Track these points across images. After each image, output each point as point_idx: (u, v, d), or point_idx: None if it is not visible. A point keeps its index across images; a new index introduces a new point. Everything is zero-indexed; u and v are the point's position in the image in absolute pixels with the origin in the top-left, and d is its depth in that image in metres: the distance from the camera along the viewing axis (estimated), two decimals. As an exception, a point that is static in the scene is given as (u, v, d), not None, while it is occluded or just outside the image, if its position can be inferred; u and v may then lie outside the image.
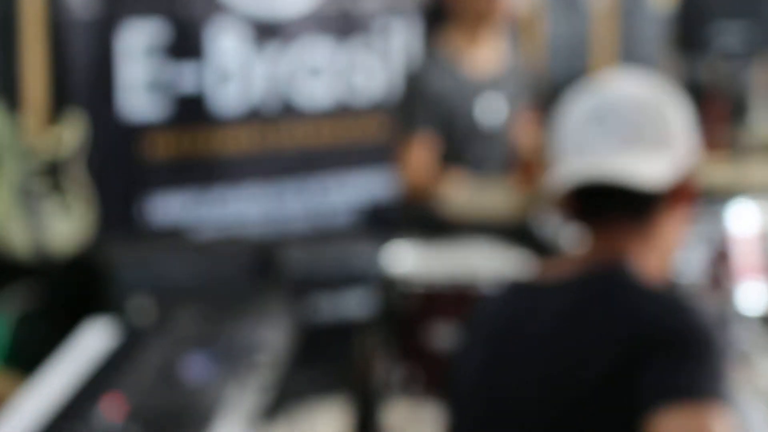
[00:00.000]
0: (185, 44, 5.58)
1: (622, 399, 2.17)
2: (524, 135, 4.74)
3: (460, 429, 2.44)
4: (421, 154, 4.50)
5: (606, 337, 2.23)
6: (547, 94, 6.27)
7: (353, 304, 5.21)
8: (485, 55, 4.64)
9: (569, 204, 2.41)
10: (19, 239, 4.98)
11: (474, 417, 2.39)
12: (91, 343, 3.14)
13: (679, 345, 2.17)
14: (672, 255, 2.46)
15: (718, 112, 6.15)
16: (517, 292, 2.49)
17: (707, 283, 3.96)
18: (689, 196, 2.39)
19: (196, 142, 5.65)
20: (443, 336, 3.94)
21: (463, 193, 4.20)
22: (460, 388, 2.47)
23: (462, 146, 4.57)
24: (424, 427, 4.09)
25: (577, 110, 2.42)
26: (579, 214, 2.42)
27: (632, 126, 2.36)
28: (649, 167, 2.31)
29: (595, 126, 2.37)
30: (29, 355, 3.31)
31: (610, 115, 2.37)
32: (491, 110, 4.60)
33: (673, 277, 2.48)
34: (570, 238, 4.00)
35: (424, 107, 4.51)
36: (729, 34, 5.51)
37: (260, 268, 5.09)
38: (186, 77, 5.61)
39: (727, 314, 3.97)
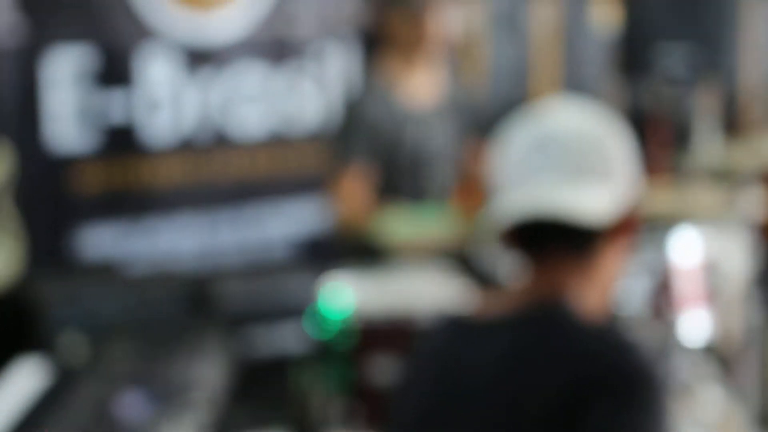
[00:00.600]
0: (114, 71, 5.57)
1: None
2: (465, 163, 4.80)
3: None
4: (355, 185, 4.53)
5: (545, 379, 2.24)
6: (488, 120, 6.33)
7: (290, 338, 5.21)
8: (421, 84, 4.68)
9: (509, 237, 2.41)
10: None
11: None
12: (20, 383, 3.13)
13: (620, 385, 2.19)
14: (612, 288, 2.45)
15: (660, 137, 6.19)
16: (456, 330, 2.49)
17: (649, 314, 3.98)
18: (631, 228, 2.39)
19: (127, 173, 5.64)
20: (382, 370, 3.96)
21: (401, 224, 4.22)
22: (401, 426, 2.49)
23: (400, 176, 4.60)
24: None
25: (519, 140, 2.42)
26: (519, 247, 2.41)
27: (574, 158, 2.35)
28: (591, 201, 2.32)
29: (536, 157, 2.37)
30: None
31: (552, 146, 2.36)
32: (428, 139, 4.64)
33: (613, 309, 2.50)
34: (509, 267, 4.03)
35: (359, 137, 4.54)
36: (672, 57, 5.56)
37: (194, 302, 5.09)
38: (115, 106, 5.59)
39: (669, 345, 4.01)
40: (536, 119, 2.46)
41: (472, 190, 4.77)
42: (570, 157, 2.35)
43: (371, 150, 4.55)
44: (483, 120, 5.12)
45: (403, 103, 4.64)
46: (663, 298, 4.00)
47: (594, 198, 2.32)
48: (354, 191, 4.54)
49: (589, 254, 2.36)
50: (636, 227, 2.41)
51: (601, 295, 2.41)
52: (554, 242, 2.37)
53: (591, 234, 2.34)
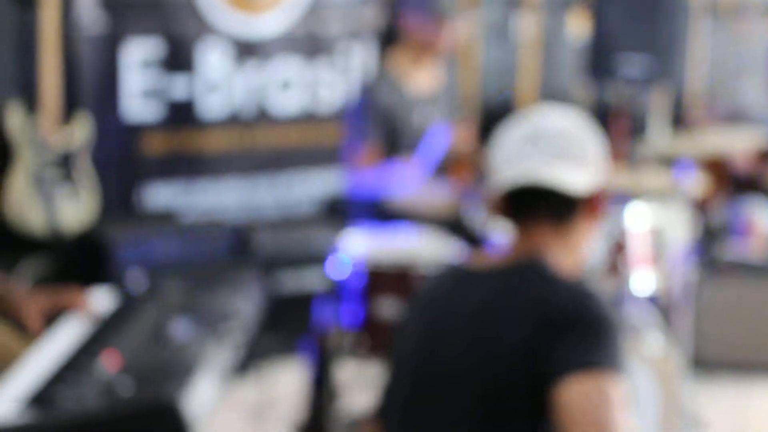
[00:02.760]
0: (177, 59, 5.56)
1: (532, 370, 2.18)
2: (458, 141, 4.78)
3: (400, 386, 2.43)
4: (370, 158, 4.52)
5: (522, 318, 2.24)
6: (479, 111, 6.30)
7: (312, 280, 5.20)
8: (425, 77, 4.67)
9: (501, 205, 2.43)
10: (34, 218, 4.95)
11: (412, 376, 2.39)
12: (94, 307, 3.12)
13: (582, 326, 2.19)
14: (584, 250, 2.47)
15: (621, 128, 6.16)
16: (452, 276, 2.51)
17: (607, 269, 3.99)
18: (600, 202, 2.42)
19: (185, 141, 5.64)
20: (386, 308, 3.95)
21: (405, 188, 4.21)
22: (401, 353, 2.46)
23: (404, 148, 4.58)
24: (368, 384, 4.09)
25: (513, 134, 2.45)
26: (509, 214, 2.43)
27: (558, 147, 2.38)
28: (570, 178, 2.36)
29: (528, 146, 2.39)
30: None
31: (540, 139, 2.40)
32: (426, 118, 4.62)
33: (583, 269, 2.51)
34: (496, 231, 4.02)
35: (374, 119, 4.52)
36: (632, 64, 5.53)
37: (235, 247, 5.07)
38: (177, 86, 5.58)
39: (622, 295, 4.02)
40: (527, 119, 2.49)
41: (464, 162, 4.76)
42: (554, 146, 2.38)
43: (382, 127, 4.54)
44: (475, 110, 5.12)
45: (410, 90, 4.62)
46: (618, 257, 4.01)
47: (573, 176, 2.36)
48: (368, 162, 4.52)
49: (567, 221, 2.40)
50: (603, 202, 2.44)
51: (575, 255, 2.43)
52: (539, 209, 2.39)
53: (570, 204, 2.38)
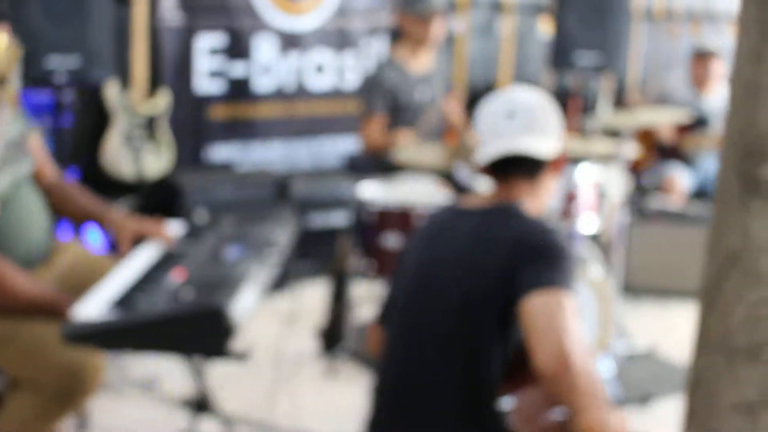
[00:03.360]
0: (237, 48, 5.54)
1: (505, 286, 2.19)
2: (449, 111, 4.77)
3: (399, 298, 2.44)
4: (376, 127, 4.52)
5: (499, 246, 2.25)
6: (467, 92, 6.27)
7: (335, 218, 5.21)
8: (421, 62, 4.66)
9: (486, 169, 2.43)
10: (125, 168, 4.99)
11: (409, 290, 2.40)
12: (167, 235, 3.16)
13: (545, 254, 2.21)
14: (547, 199, 2.48)
15: (576, 107, 6.16)
16: (445, 212, 2.52)
17: (561, 213, 4.01)
18: (560, 164, 2.44)
19: (241, 110, 5.63)
20: (391, 240, 3.95)
21: (408, 149, 4.17)
22: (402, 274, 2.46)
23: (408, 117, 4.56)
24: (375, 299, 4.12)
25: (493, 108, 2.44)
26: (491, 174, 2.43)
27: (530, 119, 2.38)
28: (540, 145, 2.37)
29: (505, 121, 2.38)
30: None
31: (516, 113, 2.38)
32: (424, 93, 4.61)
33: (544, 212, 2.54)
34: (479, 183, 4.02)
35: (380, 96, 4.52)
36: (585, 58, 5.48)
37: (277, 192, 5.09)
38: (237, 69, 5.56)
39: (573, 233, 4.04)
40: (504, 95, 2.48)
41: (454, 128, 4.76)
42: (526, 120, 2.38)
43: (388, 102, 4.54)
44: (464, 91, 5.12)
45: (411, 71, 4.62)
46: (570, 205, 4.05)
47: (541, 144, 2.38)
48: (375, 130, 4.53)
49: (536, 178, 2.40)
50: (562, 163, 2.46)
51: (540, 203, 2.43)
52: (516, 170, 2.39)
53: (539, 165, 2.39)
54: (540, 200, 2.42)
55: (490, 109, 2.44)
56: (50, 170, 3.31)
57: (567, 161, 2.61)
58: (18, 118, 3.18)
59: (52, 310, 2.88)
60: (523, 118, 2.37)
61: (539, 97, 2.45)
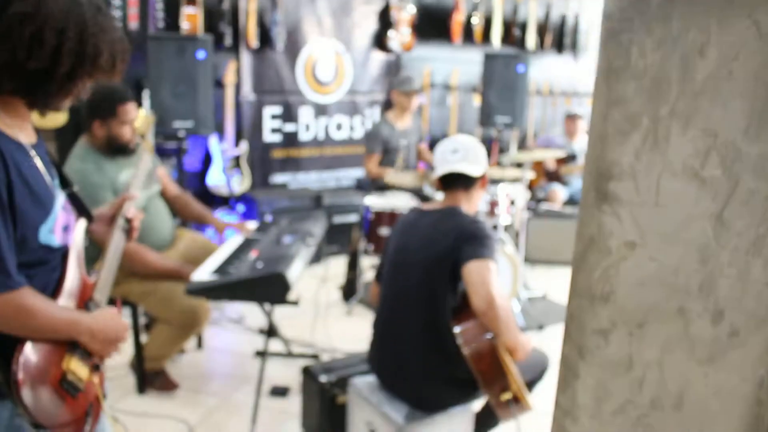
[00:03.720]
0: (289, 114, 5.49)
1: (452, 257, 2.16)
2: (420, 152, 4.71)
3: (386, 265, 2.40)
4: (374, 162, 4.44)
5: (447, 233, 2.20)
6: (428, 139, 6.24)
7: (350, 217, 5.20)
8: (404, 121, 4.56)
9: (438, 183, 2.38)
10: (222, 187, 4.97)
11: (390, 264, 2.37)
12: (250, 226, 3.14)
13: (476, 237, 2.15)
14: (478, 206, 2.43)
15: (496, 149, 6.14)
16: (414, 213, 2.45)
17: (487, 213, 3.96)
18: (485, 182, 2.37)
19: (291, 152, 5.58)
20: (383, 230, 3.92)
21: (393, 176, 4.14)
22: (388, 249, 2.43)
23: (393, 157, 4.49)
24: (374, 267, 4.09)
25: (444, 146, 2.39)
26: (441, 187, 2.38)
27: (466, 153, 2.33)
28: (472, 169, 2.31)
29: (451, 154, 2.34)
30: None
31: (459, 149, 2.34)
32: (406, 141, 4.53)
33: (477, 212, 2.50)
34: (436, 195, 4.01)
35: (377, 142, 4.44)
36: (502, 118, 5.41)
37: (314, 202, 5.08)
38: (288, 127, 5.51)
39: (495, 225, 3.98)
40: (451, 139, 2.41)
41: (423, 161, 4.73)
42: (466, 153, 2.32)
43: (382, 147, 4.46)
44: (424, 138, 5.04)
45: (397, 128, 4.53)
46: (493, 207, 3.99)
47: (472, 168, 2.32)
48: (373, 163, 4.45)
49: (469, 191, 2.34)
50: (486, 182, 2.38)
51: (473, 207, 2.36)
52: (457, 184, 2.33)
53: (472, 181, 2.32)
54: (473, 205, 2.37)
55: (442, 147, 2.41)
56: (173, 187, 3.31)
57: (489, 181, 2.57)
58: (144, 160, 3.16)
59: (178, 276, 2.88)
60: (462, 152, 2.34)
61: (473, 141, 2.41)
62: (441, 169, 2.36)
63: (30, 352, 1.30)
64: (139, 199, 2.96)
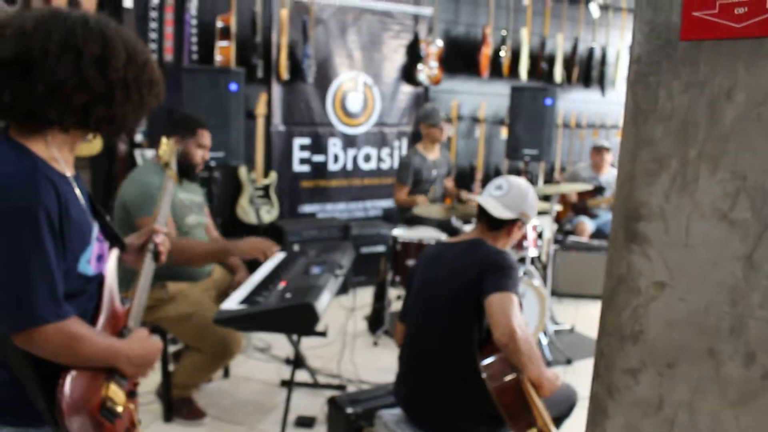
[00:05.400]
0: (318, 144, 5.53)
1: (476, 290, 2.13)
2: (448, 184, 4.69)
3: (411, 299, 2.38)
4: (404, 192, 4.42)
5: (472, 264, 2.18)
6: (456, 172, 6.26)
7: (378, 249, 5.19)
8: (435, 153, 4.55)
9: (477, 213, 2.36)
10: (251, 218, 5.00)
11: (415, 297, 2.35)
12: (276, 260, 3.13)
13: (498, 268, 2.13)
14: (509, 245, 2.36)
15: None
16: (438, 245, 2.43)
17: (516, 245, 3.92)
18: (513, 231, 2.32)
19: (320, 182, 5.61)
20: (411, 262, 3.90)
21: (422, 207, 4.13)
22: (411, 285, 2.41)
23: (424, 188, 4.47)
24: (400, 299, 4.08)
25: (495, 180, 2.37)
26: (476, 217, 2.36)
27: (506, 195, 2.30)
28: (501, 213, 2.27)
29: (495, 188, 2.33)
30: (252, 264, 3.30)
31: (504, 187, 2.32)
32: (436, 172, 4.52)
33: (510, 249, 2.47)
34: (464, 228, 4.00)
35: (408, 173, 4.42)
36: (529, 151, 5.41)
37: (342, 233, 5.09)
38: (318, 158, 5.55)
39: (524, 258, 3.95)
40: (506, 177, 2.38)
41: (448, 196, 4.71)
42: (505, 194, 2.29)
43: (413, 178, 4.45)
44: (453, 170, 5.03)
45: (428, 159, 4.51)
46: (522, 240, 3.93)
47: (503, 212, 2.28)
48: (404, 194, 4.43)
49: (496, 232, 2.30)
50: (517, 230, 2.33)
51: (503, 246, 2.33)
52: (484, 220, 2.31)
53: (497, 223, 2.29)
54: (499, 245, 2.32)
55: (495, 180, 2.40)
56: (214, 231, 3.37)
57: (521, 233, 2.44)
58: (198, 191, 3.24)
59: (226, 253, 2.87)
60: (503, 192, 2.31)
61: (523, 187, 2.32)
62: (479, 197, 2.35)
63: (73, 380, 1.33)
64: (192, 219, 3.06)
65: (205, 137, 3.10)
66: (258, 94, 5.09)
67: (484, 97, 6.46)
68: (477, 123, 6.54)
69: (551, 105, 5.16)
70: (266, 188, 5.15)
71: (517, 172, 6.33)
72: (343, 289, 4.84)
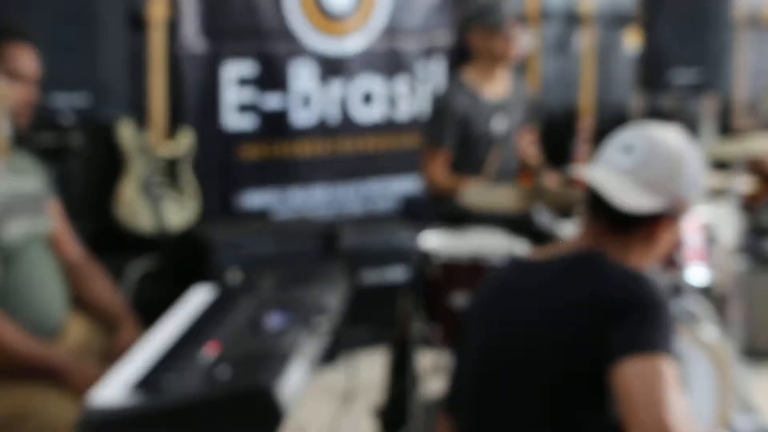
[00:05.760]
0: (271, 77, 5.59)
1: (590, 356, 2.16)
2: (525, 146, 4.70)
3: (468, 378, 2.43)
4: (441, 163, 4.48)
5: (578, 307, 2.22)
6: (538, 118, 6.24)
7: (393, 274, 5.18)
8: (498, 85, 4.60)
9: (583, 195, 2.42)
10: (143, 220, 5.01)
11: (479, 369, 2.39)
12: (195, 301, 3.14)
13: (635, 310, 2.15)
14: (652, 259, 2.41)
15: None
16: (515, 268, 2.49)
17: (664, 263, 3.90)
18: (670, 227, 2.37)
19: (278, 149, 5.67)
20: (459, 300, 3.87)
21: (478, 192, 4.12)
22: (467, 345, 2.47)
23: (480, 152, 4.52)
24: (444, 373, 4.02)
25: (617, 138, 2.41)
26: (584, 207, 2.41)
27: (645, 167, 2.33)
28: (635, 199, 2.30)
29: (620, 152, 2.37)
30: (149, 308, 3.31)
31: (637, 149, 2.35)
32: (501, 125, 4.56)
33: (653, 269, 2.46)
34: (562, 229, 3.96)
35: (449, 126, 4.46)
36: (682, 75, 5.47)
37: (323, 244, 5.08)
38: (271, 101, 5.60)
39: (680, 286, 3.93)
40: (638, 129, 2.42)
41: (531, 166, 4.70)
42: (643, 165, 2.34)
43: (458, 135, 4.49)
44: (536, 116, 5.08)
45: (484, 99, 4.56)
46: (675, 252, 3.90)
47: (640, 198, 2.31)
48: (440, 168, 4.49)
49: (628, 232, 2.35)
50: (675, 228, 2.40)
51: (641, 260, 2.37)
52: (602, 214, 2.35)
53: (630, 219, 2.32)
54: (639, 255, 2.36)
55: (620, 135, 2.41)
56: (72, 247, 3.36)
57: (673, 237, 2.46)
58: (36, 173, 3.25)
59: (53, 372, 2.87)
60: (637, 160, 2.33)
61: (675, 149, 2.35)
62: (587, 173, 2.37)
63: None
64: (16, 230, 3.04)
65: (25, 59, 3.10)
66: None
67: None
68: (578, 24, 6.58)
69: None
70: (172, 163, 5.14)
71: (662, 117, 6.29)
72: (330, 356, 4.82)
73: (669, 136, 2.36)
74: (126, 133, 5.01)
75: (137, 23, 5.06)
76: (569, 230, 3.91)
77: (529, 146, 4.73)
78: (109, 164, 5.07)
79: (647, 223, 2.33)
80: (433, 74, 6.01)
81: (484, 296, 2.47)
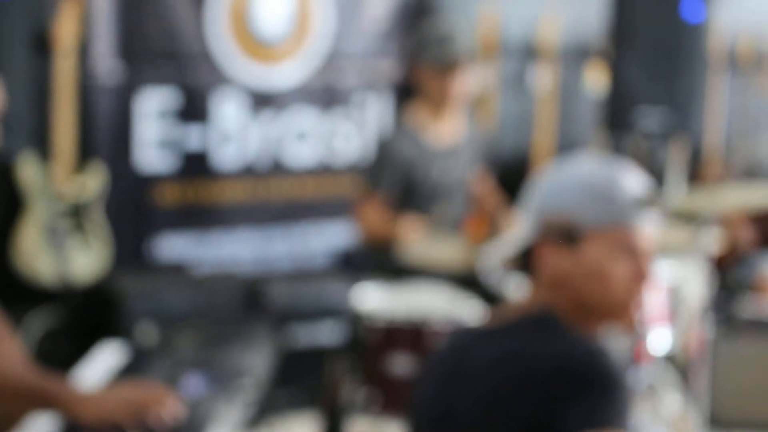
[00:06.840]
0: (192, 109, 5.57)
1: (542, 428, 2.15)
2: (476, 192, 4.72)
3: None
4: (376, 208, 4.48)
5: (533, 378, 2.19)
6: (493, 160, 6.28)
7: (326, 334, 5.17)
8: (447, 128, 4.61)
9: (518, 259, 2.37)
10: (45, 269, 4.95)
11: None
12: (102, 362, 3.11)
13: (590, 384, 2.15)
14: (604, 317, 2.35)
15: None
16: (466, 336, 2.48)
17: (627, 326, 3.93)
18: (545, 257, 2.31)
19: (198, 192, 5.65)
20: (399, 365, 3.90)
21: (420, 244, 4.16)
22: (417, 412, 2.43)
23: (425, 202, 4.53)
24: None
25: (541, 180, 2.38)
26: (519, 266, 2.38)
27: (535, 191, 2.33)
28: (521, 230, 2.33)
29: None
30: (50, 369, 3.26)
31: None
32: (448, 172, 4.57)
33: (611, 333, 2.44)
34: (513, 287, 3.98)
35: (389, 171, 4.48)
36: (649, 118, 5.53)
37: (248, 300, 5.05)
38: (191, 137, 5.59)
39: (639, 354, 3.93)
40: (559, 168, 2.39)
41: (480, 217, 4.70)
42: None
43: (399, 182, 4.49)
44: (489, 160, 5.04)
45: (429, 144, 4.56)
46: (637, 315, 3.93)
47: (522, 228, 2.34)
48: (376, 214, 4.49)
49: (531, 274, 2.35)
50: (547, 257, 2.32)
51: (587, 317, 2.32)
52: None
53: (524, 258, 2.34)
54: (578, 315, 2.30)
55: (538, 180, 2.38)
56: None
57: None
58: None
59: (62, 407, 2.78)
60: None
61: (607, 173, 2.28)
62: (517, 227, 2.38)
63: None
64: None
65: None
66: (58, 1, 5.08)
67: (552, 6, 6.55)
68: (535, 58, 6.61)
69: (700, 20, 5.24)
70: (80, 206, 5.12)
71: (628, 155, 6.35)
72: (255, 423, 4.81)
73: (594, 167, 2.33)
74: (27, 171, 4.96)
75: (42, 46, 5.04)
76: (518, 286, 3.93)
77: (484, 192, 4.77)
78: (7, 206, 5.02)
79: (531, 255, 2.30)
80: (377, 110, 6.02)
81: (432, 371, 2.44)
